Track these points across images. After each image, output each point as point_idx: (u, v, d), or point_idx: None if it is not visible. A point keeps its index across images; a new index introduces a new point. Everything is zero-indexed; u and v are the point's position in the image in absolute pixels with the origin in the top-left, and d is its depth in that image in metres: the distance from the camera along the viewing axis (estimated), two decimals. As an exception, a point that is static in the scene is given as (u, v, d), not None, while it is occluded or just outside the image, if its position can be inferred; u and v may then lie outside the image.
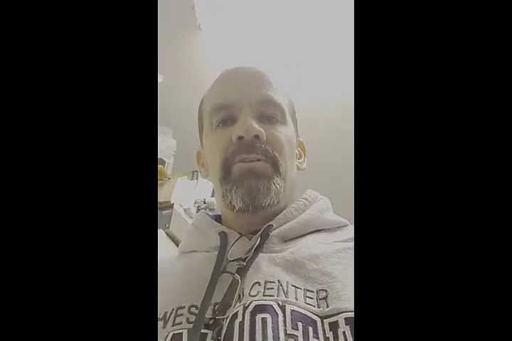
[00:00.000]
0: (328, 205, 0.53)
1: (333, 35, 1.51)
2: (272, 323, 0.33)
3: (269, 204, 0.45)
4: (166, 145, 1.58)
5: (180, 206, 1.31)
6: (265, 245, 0.44)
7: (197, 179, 1.46)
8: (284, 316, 0.34)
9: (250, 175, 0.45)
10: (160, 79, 1.46)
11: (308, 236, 0.46)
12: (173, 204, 1.31)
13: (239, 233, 0.47)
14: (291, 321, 0.34)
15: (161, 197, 1.47)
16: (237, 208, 0.46)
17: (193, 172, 1.49)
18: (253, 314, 0.34)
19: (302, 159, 0.58)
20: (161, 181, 1.53)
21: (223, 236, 0.47)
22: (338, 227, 0.50)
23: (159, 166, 1.53)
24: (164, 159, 1.59)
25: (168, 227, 1.19)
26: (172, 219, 1.24)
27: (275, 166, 0.47)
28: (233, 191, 0.46)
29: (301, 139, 0.59)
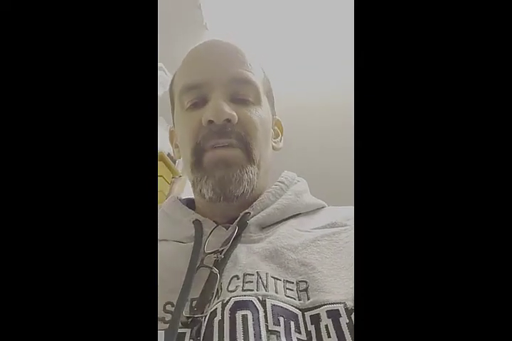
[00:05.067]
0: (305, 187, 0.51)
1: (334, 33, 1.51)
2: (253, 320, 0.32)
3: (242, 193, 0.43)
4: (176, 143, 1.61)
5: (191, 203, 1.33)
6: (243, 234, 0.42)
7: (207, 176, 1.48)
8: (265, 311, 0.33)
9: (221, 164, 0.43)
10: (167, 77, 1.48)
11: (287, 223, 0.45)
12: (184, 201, 1.33)
13: (214, 221, 0.45)
14: (273, 316, 0.33)
15: (173, 195, 1.49)
16: (207, 198, 0.44)
17: (203, 169, 1.51)
18: (233, 311, 0.33)
19: (279, 138, 0.55)
20: (173, 179, 1.56)
21: (198, 225, 0.44)
22: (317, 209, 0.49)
23: (171, 164, 1.56)
24: (175, 158, 1.62)
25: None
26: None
27: (248, 153, 0.45)
28: (203, 180, 0.44)
29: (278, 117, 0.56)
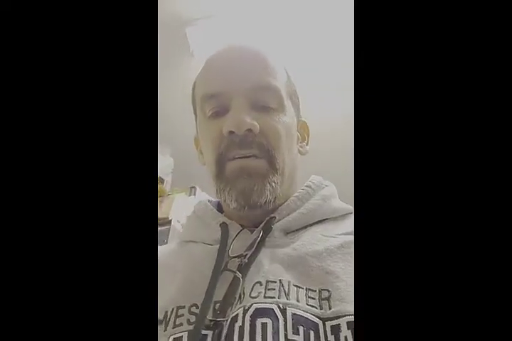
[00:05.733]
0: (333, 192, 0.50)
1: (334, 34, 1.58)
2: (273, 328, 0.33)
3: (265, 202, 0.43)
4: (164, 163, 1.65)
5: (178, 222, 1.36)
6: (267, 239, 0.42)
7: (194, 195, 1.52)
8: (285, 320, 0.33)
9: (243, 173, 0.43)
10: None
11: (312, 228, 0.45)
12: (171, 220, 1.36)
13: (240, 225, 0.45)
14: (292, 326, 0.33)
15: (160, 214, 1.52)
16: (231, 207, 0.45)
17: (190, 188, 1.55)
18: (253, 318, 0.33)
19: (305, 142, 0.54)
20: (160, 198, 1.59)
21: (224, 227, 0.45)
22: (344, 215, 0.48)
23: (158, 184, 1.60)
24: (163, 177, 1.66)
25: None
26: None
27: (271, 162, 0.44)
28: (226, 191, 0.44)
29: (304, 119, 0.55)
